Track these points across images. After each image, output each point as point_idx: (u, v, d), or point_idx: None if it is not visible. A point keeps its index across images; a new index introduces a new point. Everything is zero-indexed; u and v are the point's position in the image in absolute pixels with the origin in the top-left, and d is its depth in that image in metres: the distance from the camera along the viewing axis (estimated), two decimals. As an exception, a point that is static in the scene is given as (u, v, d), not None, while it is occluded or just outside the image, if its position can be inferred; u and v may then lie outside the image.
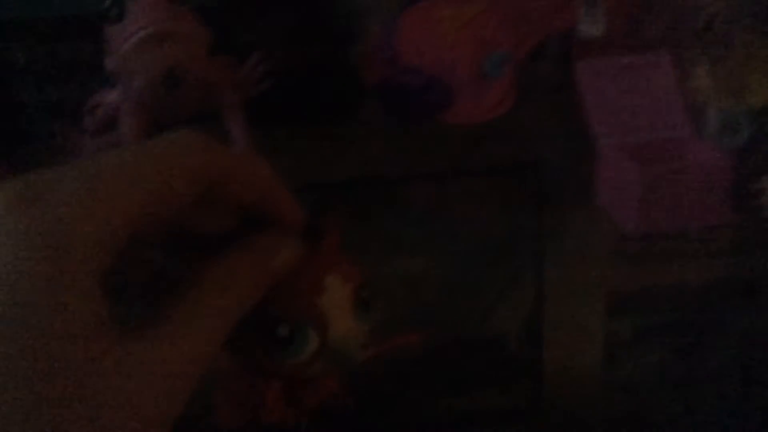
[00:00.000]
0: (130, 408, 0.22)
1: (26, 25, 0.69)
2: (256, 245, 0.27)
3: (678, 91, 0.61)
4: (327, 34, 0.82)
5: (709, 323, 0.50)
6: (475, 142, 0.71)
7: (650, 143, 0.60)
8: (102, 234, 0.22)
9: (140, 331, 0.23)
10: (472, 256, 0.58)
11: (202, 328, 0.24)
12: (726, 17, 0.57)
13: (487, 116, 0.70)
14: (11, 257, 0.21)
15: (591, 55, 0.69)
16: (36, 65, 0.71)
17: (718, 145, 0.58)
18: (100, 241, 0.22)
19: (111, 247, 0.23)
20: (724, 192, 0.56)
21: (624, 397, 0.51)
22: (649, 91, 0.61)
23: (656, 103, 0.60)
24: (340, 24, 0.83)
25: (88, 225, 0.22)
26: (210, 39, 0.56)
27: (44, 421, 0.20)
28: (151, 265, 0.27)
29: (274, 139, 0.63)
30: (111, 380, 0.22)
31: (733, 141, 0.58)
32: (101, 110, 0.57)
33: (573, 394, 0.50)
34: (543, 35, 0.73)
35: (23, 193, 0.22)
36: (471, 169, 0.70)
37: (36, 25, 0.69)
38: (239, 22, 0.70)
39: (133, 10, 0.53)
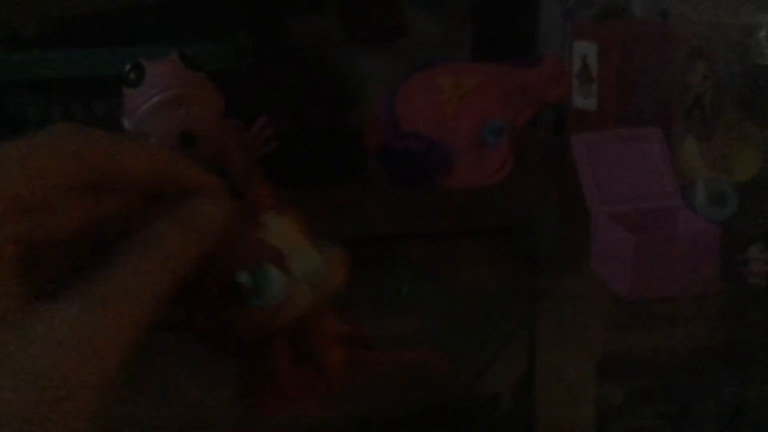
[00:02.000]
0: (56, 374, 0.22)
1: (45, 85, 0.72)
2: (175, 211, 0.28)
3: (668, 164, 0.62)
4: (331, 99, 0.84)
5: (700, 389, 0.50)
6: (471, 205, 0.73)
7: (641, 212, 0.61)
8: None
9: (67, 299, 0.23)
10: (464, 315, 0.59)
11: (129, 290, 0.24)
12: (713, 97, 0.59)
13: (485, 182, 0.72)
14: None
15: (585, 127, 0.72)
16: (50, 123, 0.73)
17: (706, 216, 0.60)
18: None
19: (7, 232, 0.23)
20: (713, 261, 0.57)
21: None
22: (640, 163, 0.62)
23: (647, 174, 0.62)
24: (344, 89, 0.86)
25: None
26: (222, 103, 0.58)
27: None
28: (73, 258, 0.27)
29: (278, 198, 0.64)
30: (32, 346, 0.22)
31: (721, 213, 0.60)
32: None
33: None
34: (539, 107, 0.75)
35: None
36: (467, 231, 0.71)
37: (54, 86, 0.71)
38: (249, 88, 0.72)
39: (151, 75, 0.54)
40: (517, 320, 0.57)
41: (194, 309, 0.28)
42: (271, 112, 0.64)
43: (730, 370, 0.51)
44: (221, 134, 0.58)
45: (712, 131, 0.59)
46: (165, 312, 0.27)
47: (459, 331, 0.56)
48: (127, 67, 0.54)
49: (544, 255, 0.70)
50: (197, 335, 0.30)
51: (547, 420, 0.49)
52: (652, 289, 0.57)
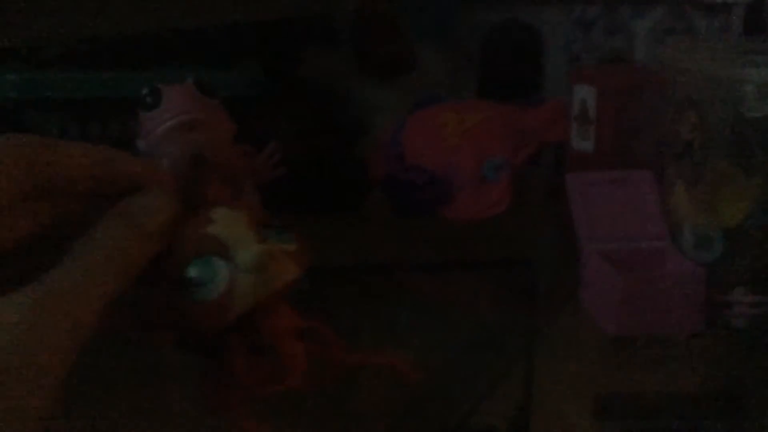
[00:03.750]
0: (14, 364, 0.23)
1: (63, 103, 0.74)
2: (118, 208, 0.28)
3: (658, 206, 0.64)
4: (339, 129, 0.86)
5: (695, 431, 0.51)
6: (470, 237, 0.74)
7: (631, 252, 0.63)
8: None
9: (18, 293, 0.24)
10: (462, 347, 0.59)
11: (75, 288, 0.25)
12: (702, 145, 0.61)
13: (483, 214, 0.74)
14: None
15: (583, 167, 0.73)
16: (67, 139, 0.75)
17: (692, 258, 0.62)
18: None
19: None
20: (698, 301, 0.58)
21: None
22: (631, 205, 0.64)
23: (638, 215, 0.64)
24: (352, 120, 0.88)
25: None
26: (233, 129, 0.59)
27: None
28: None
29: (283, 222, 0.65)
30: None
31: (707, 256, 0.61)
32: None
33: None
34: (538, 146, 0.77)
35: None
36: (465, 263, 0.72)
37: (72, 104, 0.74)
38: (260, 115, 0.74)
39: (167, 99, 0.56)
40: (514, 354, 0.58)
41: (149, 306, 0.29)
42: (280, 139, 0.66)
43: (723, 412, 0.51)
44: (231, 159, 0.60)
45: (700, 177, 0.61)
46: (125, 315, 0.29)
47: (456, 362, 0.56)
48: (145, 90, 0.56)
49: (541, 289, 0.71)
50: (158, 337, 0.31)
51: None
52: (637, 326, 0.58)
